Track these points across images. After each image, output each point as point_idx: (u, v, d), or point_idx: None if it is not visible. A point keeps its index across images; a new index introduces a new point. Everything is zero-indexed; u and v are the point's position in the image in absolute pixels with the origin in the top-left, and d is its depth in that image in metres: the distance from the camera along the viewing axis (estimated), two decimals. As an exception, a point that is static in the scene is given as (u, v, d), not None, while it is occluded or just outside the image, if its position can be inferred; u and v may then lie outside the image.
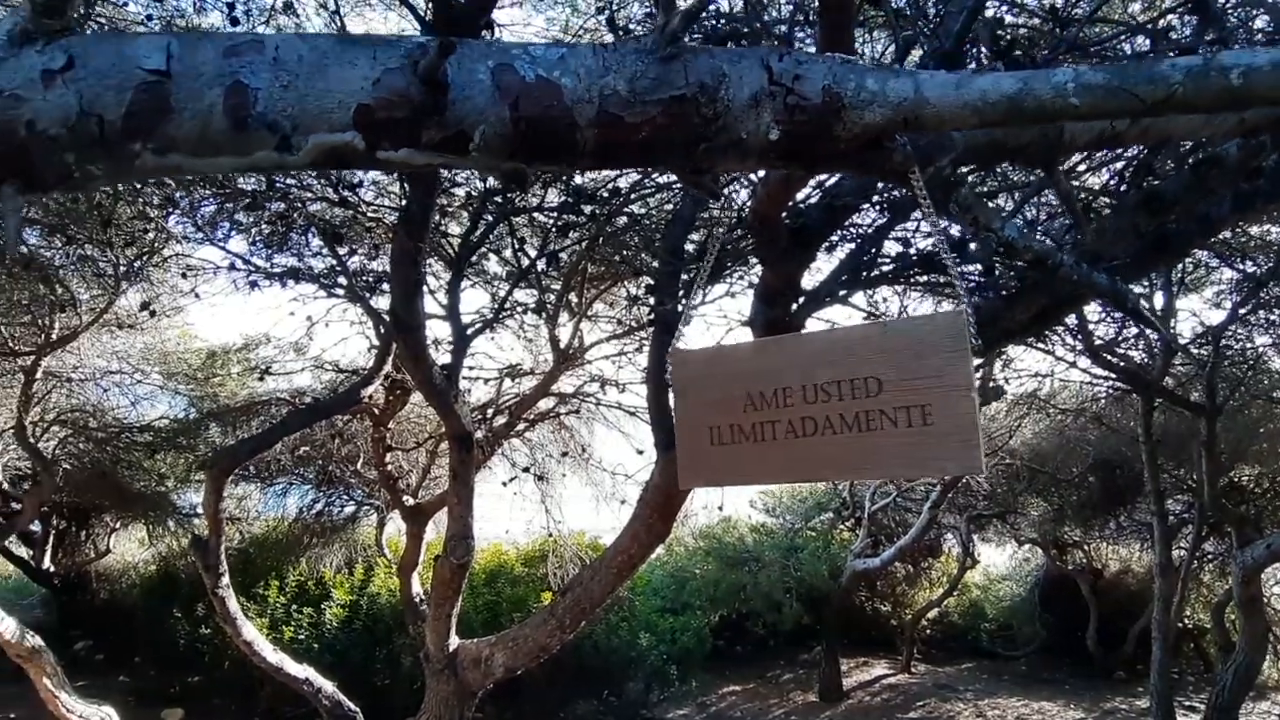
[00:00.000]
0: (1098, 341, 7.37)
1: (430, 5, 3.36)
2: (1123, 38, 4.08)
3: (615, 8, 4.82)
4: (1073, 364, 7.93)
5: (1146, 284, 7.10)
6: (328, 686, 6.74)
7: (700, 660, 12.71)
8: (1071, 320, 6.99)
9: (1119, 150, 3.93)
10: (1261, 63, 1.02)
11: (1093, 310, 6.99)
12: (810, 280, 5.71)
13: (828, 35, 1.93)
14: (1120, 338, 7.76)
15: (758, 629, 15.05)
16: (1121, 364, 7.70)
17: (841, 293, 4.52)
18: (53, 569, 14.42)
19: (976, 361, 3.54)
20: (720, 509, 9.53)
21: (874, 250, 4.51)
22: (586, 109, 1.02)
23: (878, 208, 4.62)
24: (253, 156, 0.95)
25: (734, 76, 1.05)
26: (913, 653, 14.58)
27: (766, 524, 17.56)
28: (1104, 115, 1.13)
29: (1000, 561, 18.11)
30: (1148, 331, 7.58)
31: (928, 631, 16.03)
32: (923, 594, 16.13)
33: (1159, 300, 7.25)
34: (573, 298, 6.49)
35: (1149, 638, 9.26)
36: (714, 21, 3.96)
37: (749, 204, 3.28)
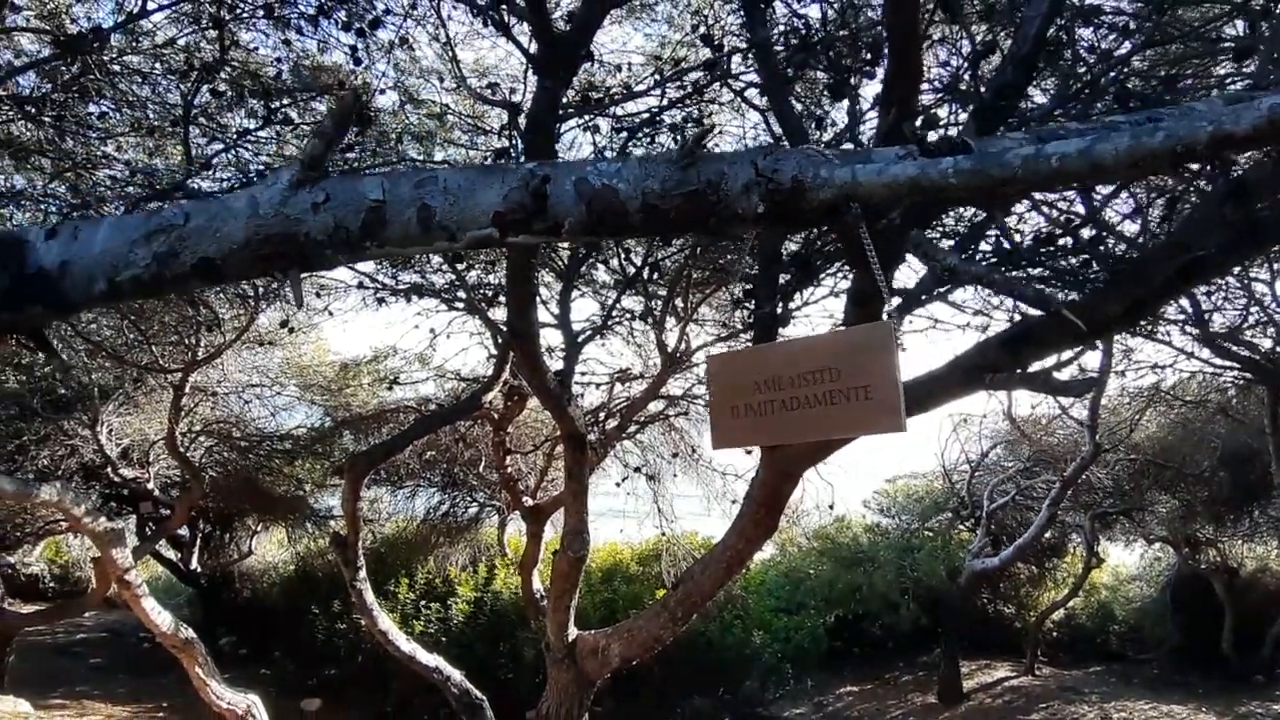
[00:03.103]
0: (1222, 330, 7.14)
1: (533, 38, 3.61)
2: (1223, 21, 4.03)
3: (709, 25, 5.02)
4: (1190, 355, 7.70)
5: (1269, 269, 6.86)
6: (456, 675, 7.11)
7: (815, 659, 12.74)
8: (1189, 309, 6.81)
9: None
10: (1070, 151, 1.39)
11: (1213, 298, 6.81)
12: (910, 278, 5.79)
13: (896, 49, 2.11)
14: (1244, 325, 7.46)
15: (874, 630, 14.93)
16: (1244, 352, 7.43)
17: (940, 289, 4.60)
18: (199, 570, 15.33)
19: (1070, 354, 3.62)
20: (831, 508, 9.54)
21: (973, 246, 4.57)
22: (634, 202, 1.54)
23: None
24: (433, 245, 1.54)
25: (731, 174, 1.53)
26: (1036, 655, 14.19)
27: (881, 524, 17.40)
28: (971, 190, 1.49)
29: (1130, 561, 17.45)
30: (1276, 317, 7.30)
31: (1053, 634, 15.56)
32: (1047, 595, 15.63)
33: (1281, 286, 6.98)
34: (678, 303, 6.69)
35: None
36: (805, 31, 4.12)
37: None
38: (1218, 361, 7.82)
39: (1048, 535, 14.25)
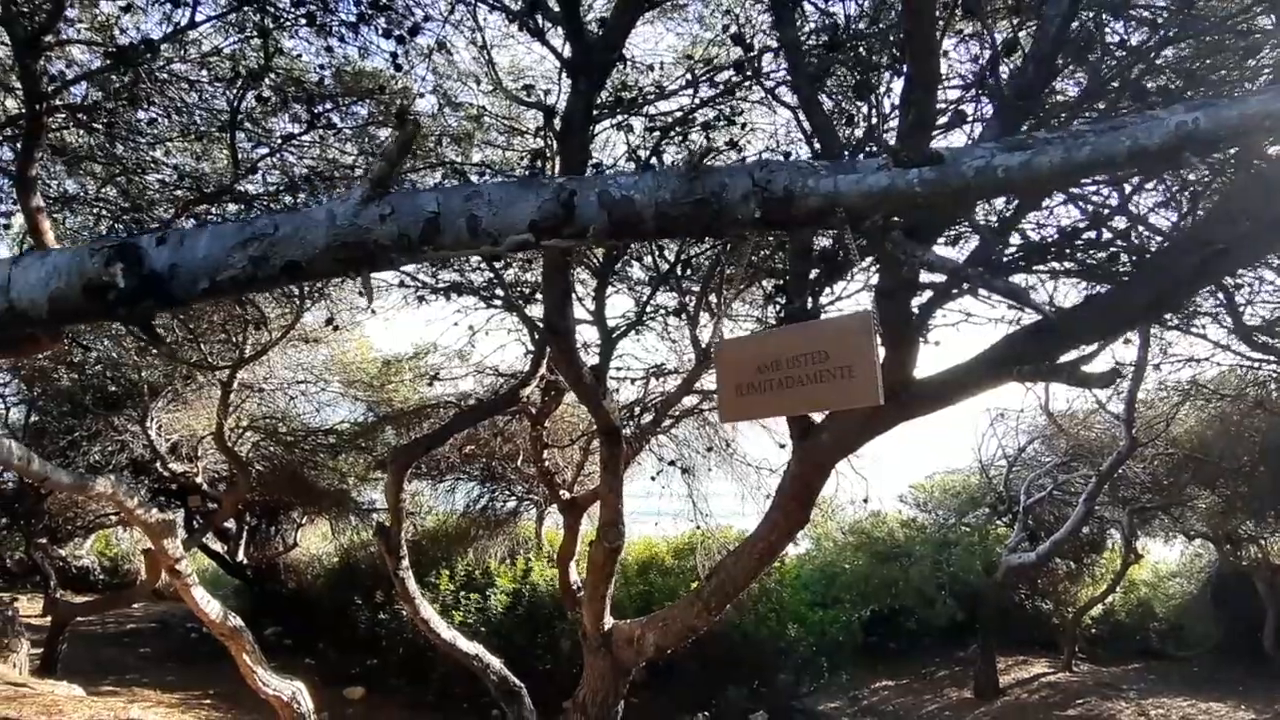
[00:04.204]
0: (1257, 322, 7.07)
1: (567, 41, 3.72)
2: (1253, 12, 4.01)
3: (740, 24, 5.10)
4: (1227, 348, 7.62)
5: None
6: (495, 663, 7.24)
7: (850, 653, 12.76)
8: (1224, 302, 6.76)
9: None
10: (1013, 164, 1.61)
11: (1247, 291, 6.75)
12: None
13: (915, 52, 2.21)
14: (1284, 318, 7.35)
15: (910, 625, 14.90)
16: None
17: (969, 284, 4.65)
18: (245, 562, 15.67)
19: (1092, 347, 3.69)
20: (865, 502, 9.57)
21: (1003, 241, 4.62)
22: (648, 210, 1.78)
23: (1004, 199, 4.71)
24: (479, 248, 1.81)
25: (731, 185, 1.76)
26: (1074, 651, 14.08)
27: (918, 519, 17.36)
28: (935, 197, 1.71)
29: (1170, 557, 17.23)
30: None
31: (1092, 630, 15.41)
32: (1085, 591, 15.42)
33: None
34: (711, 299, 6.77)
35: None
36: (833, 30, 4.19)
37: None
38: (1255, 355, 7.72)
39: (1086, 531, 14.15)
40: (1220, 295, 6.54)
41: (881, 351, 3.70)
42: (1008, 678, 13.38)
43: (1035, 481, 14.20)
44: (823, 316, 4.29)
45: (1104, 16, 3.65)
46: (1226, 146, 1.52)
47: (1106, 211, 4.28)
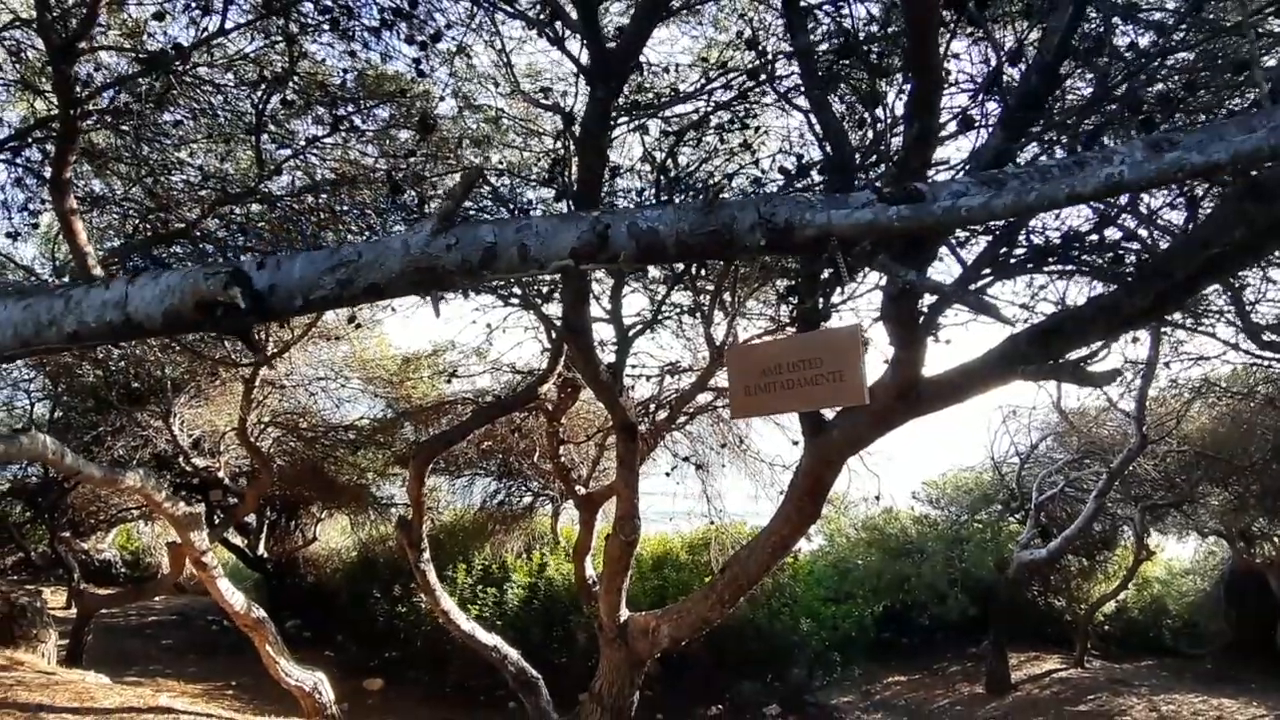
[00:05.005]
0: (1266, 321, 7.12)
1: (584, 47, 3.84)
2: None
3: (754, 28, 5.19)
4: (1236, 346, 7.68)
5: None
6: (513, 654, 7.38)
7: (863, 648, 12.87)
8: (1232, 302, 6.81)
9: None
10: (975, 204, 1.85)
11: (1254, 289, 6.81)
12: (947, 275, 5.92)
13: (918, 71, 2.33)
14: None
15: (922, 620, 14.99)
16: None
17: (977, 285, 4.75)
18: (265, 555, 15.90)
19: (1097, 345, 3.80)
20: (878, 499, 9.65)
21: (1009, 244, 4.72)
22: (670, 239, 2.03)
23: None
24: (528, 271, 2.06)
25: (741, 217, 2.01)
26: (1086, 647, 14.08)
27: (930, 515, 17.41)
28: (911, 230, 1.95)
29: (1184, 554, 17.23)
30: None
31: (1105, 627, 15.44)
32: (1098, 588, 15.45)
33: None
34: (725, 298, 6.88)
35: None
36: (844, 39, 4.29)
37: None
38: (1264, 354, 7.76)
39: (1098, 528, 14.19)
40: (1228, 295, 6.61)
41: (873, 356, 4.03)
42: (1019, 673, 13.43)
43: (1047, 478, 14.22)
44: (833, 317, 4.42)
45: (1113, 20, 3.74)
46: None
47: (1114, 212, 4.38)
